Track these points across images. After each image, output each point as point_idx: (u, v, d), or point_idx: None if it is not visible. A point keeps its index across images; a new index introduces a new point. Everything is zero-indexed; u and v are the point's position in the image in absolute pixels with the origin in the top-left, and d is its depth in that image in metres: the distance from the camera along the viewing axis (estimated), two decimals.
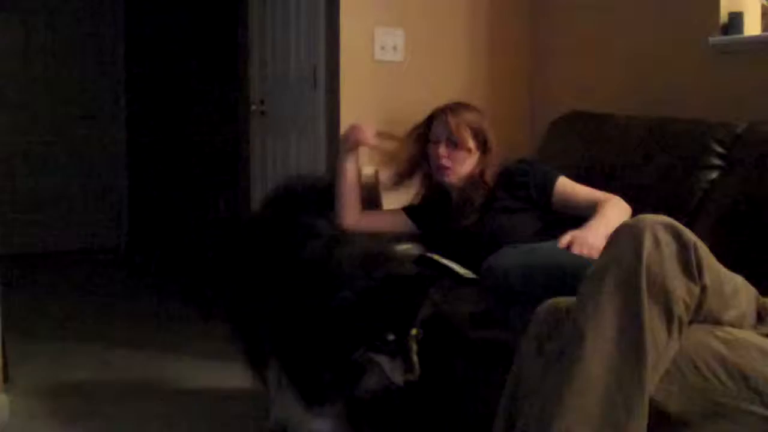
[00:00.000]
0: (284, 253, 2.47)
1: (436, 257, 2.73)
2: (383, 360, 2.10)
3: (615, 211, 2.59)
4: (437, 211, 3.00)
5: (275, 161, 4.16)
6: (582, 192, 2.78)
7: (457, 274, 2.73)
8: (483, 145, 2.94)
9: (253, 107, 4.27)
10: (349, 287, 2.11)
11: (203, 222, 5.46)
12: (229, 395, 3.41)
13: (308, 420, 2.33)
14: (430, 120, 3.01)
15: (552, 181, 2.82)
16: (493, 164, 2.95)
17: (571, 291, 1.70)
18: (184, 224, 5.86)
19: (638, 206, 2.58)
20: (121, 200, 6.90)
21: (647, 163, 2.89)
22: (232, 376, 3.60)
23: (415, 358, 2.05)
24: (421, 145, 3.03)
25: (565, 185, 2.81)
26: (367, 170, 3.25)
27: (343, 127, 3.55)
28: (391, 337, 2.07)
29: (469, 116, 2.95)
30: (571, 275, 1.95)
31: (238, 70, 5.00)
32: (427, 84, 3.64)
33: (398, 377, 2.06)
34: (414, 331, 2.09)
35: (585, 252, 2.31)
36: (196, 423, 3.12)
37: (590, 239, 2.36)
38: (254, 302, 2.52)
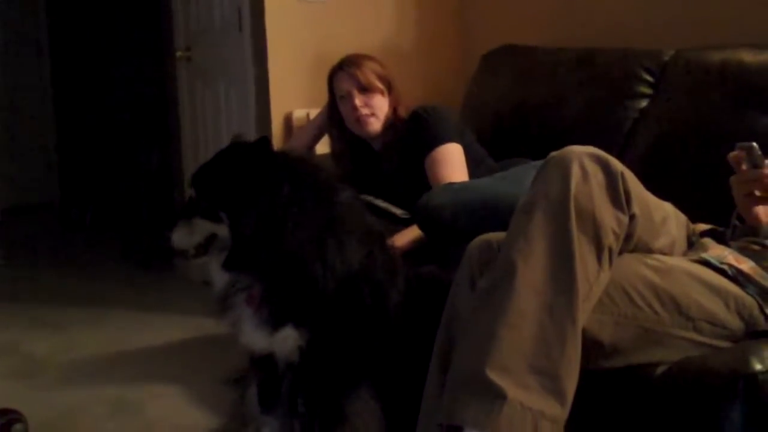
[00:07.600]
0: None
1: (369, 199, 2.71)
2: None
3: None
4: (360, 162, 2.96)
5: (204, 110, 4.07)
6: (439, 174, 2.69)
7: (393, 214, 2.73)
8: (389, 87, 2.91)
9: (179, 54, 4.15)
10: None
11: (136, 174, 5.36)
12: (175, 348, 3.38)
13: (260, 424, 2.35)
14: (330, 82, 2.96)
15: (432, 146, 2.75)
16: (401, 101, 2.94)
17: (504, 226, 1.69)
18: (116, 177, 5.74)
19: (569, 139, 2.58)
20: (50, 155, 6.70)
21: (577, 94, 2.90)
22: (175, 328, 3.57)
23: None
24: (329, 110, 3.00)
25: (434, 157, 2.73)
26: None
27: (272, 71, 3.48)
28: None
29: (367, 62, 2.91)
30: (503, 211, 1.94)
31: (161, 14, 4.86)
32: (354, 21, 3.56)
33: None
34: None
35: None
36: (146, 378, 3.05)
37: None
38: None
